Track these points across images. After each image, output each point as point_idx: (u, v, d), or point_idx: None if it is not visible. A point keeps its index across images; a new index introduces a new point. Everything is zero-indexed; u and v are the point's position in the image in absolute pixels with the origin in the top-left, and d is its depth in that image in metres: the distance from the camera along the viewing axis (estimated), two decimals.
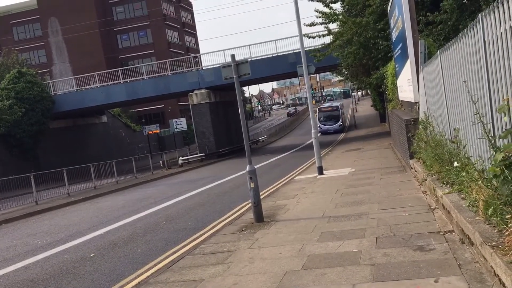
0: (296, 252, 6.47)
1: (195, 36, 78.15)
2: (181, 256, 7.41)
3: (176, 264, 6.94)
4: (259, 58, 35.03)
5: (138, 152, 45.22)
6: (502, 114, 4.69)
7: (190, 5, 78.15)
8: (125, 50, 65.06)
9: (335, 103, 55.97)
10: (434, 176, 8.05)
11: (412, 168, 11.60)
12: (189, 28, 74.85)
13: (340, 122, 46.70)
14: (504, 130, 4.72)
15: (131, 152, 43.60)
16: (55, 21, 62.74)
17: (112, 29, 64.63)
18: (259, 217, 9.00)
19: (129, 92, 37.65)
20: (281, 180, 16.03)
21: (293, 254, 6.40)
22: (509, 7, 4.27)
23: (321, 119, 46.64)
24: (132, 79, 38.65)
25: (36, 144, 36.98)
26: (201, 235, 9.14)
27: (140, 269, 7.40)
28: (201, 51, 74.36)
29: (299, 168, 19.16)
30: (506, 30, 4.41)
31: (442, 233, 6.16)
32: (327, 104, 56.13)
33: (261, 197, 10.03)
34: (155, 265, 7.41)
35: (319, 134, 40.32)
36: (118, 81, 38.12)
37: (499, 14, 4.53)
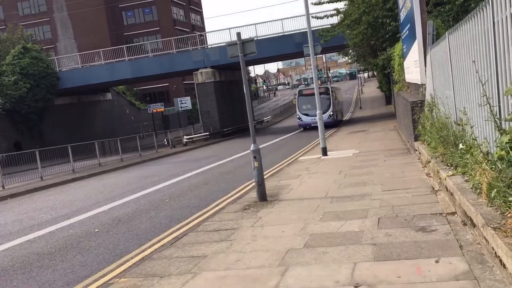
0: (299, 230, 6.52)
1: (200, 14, 77.45)
2: (185, 233, 7.49)
3: (180, 240, 7.02)
4: (265, 37, 34.74)
5: (142, 130, 45.33)
6: (509, 96, 4.66)
7: None
8: (130, 27, 64.62)
9: (325, 85, 41.44)
10: (438, 158, 8.05)
11: (416, 150, 11.59)
12: (194, 6, 74.16)
13: (330, 112, 32.38)
14: (510, 112, 4.69)
15: (136, 130, 43.72)
16: None
17: (117, 5, 64.10)
18: (263, 196, 9.05)
19: (134, 70, 37.52)
20: (285, 160, 16.07)
21: (295, 232, 6.45)
22: None
23: (302, 106, 33.49)
24: (137, 56, 38.49)
25: (41, 120, 37.11)
26: (204, 213, 9.21)
27: (144, 244, 7.50)
28: (207, 29, 73.79)
29: (303, 149, 19.18)
30: None
31: (444, 214, 6.18)
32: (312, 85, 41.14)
33: (265, 177, 10.06)
34: (158, 241, 7.50)
35: (301, 129, 32.77)
36: (123, 59, 37.97)
37: None
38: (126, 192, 13.99)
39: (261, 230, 6.87)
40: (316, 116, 29.45)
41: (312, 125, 30.75)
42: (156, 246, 7.12)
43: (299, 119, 33.48)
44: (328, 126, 28.79)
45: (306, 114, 32.61)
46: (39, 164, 20.47)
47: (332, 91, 33.62)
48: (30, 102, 35.25)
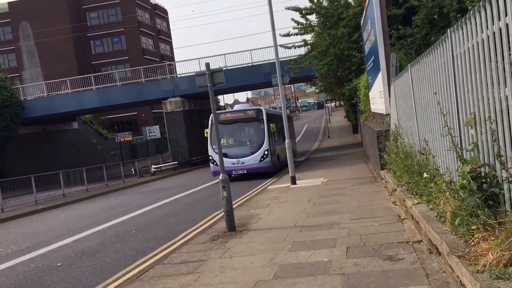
0: (268, 261, 6.45)
1: (170, 43, 77.85)
2: (151, 266, 7.29)
3: (146, 273, 6.83)
4: (234, 67, 35.09)
5: (109, 160, 44.50)
6: (469, 127, 4.82)
7: (166, 12, 77.90)
8: (99, 56, 64.19)
9: (254, 107, 26.48)
10: (403, 187, 8.18)
11: (382, 178, 11.76)
12: (164, 36, 74.51)
13: (263, 150, 20.40)
14: (471, 143, 4.84)
15: (103, 160, 42.83)
16: (27, 25, 61.43)
17: (85, 34, 63.72)
18: (231, 226, 8.96)
19: (101, 99, 37.12)
20: (254, 189, 16.01)
21: (264, 263, 6.38)
22: (476, 23, 4.40)
23: (221, 141, 19.36)
24: (105, 85, 38.12)
25: (4, 150, 35.99)
26: (172, 245, 9.01)
27: (108, 278, 7.24)
28: (176, 59, 73.98)
29: (273, 178, 19.19)
30: (473, 45, 4.54)
31: (411, 243, 6.25)
32: (237, 107, 25.63)
33: (234, 206, 9.99)
34: (124, 274, 7.26)
35: (219, 180, 21.78)
36: (90, 87, 37.55)
37: (467, 29, 4.66)
38: (91, 223, 13.59)
39: (230, 261, 6.77)
40: (243, 158, 20.13)
41: (234, 172, 19.91)
42: (121, 280, 6.89)
43: (213, 163, 20.71)
44: (262, 174, 19.95)
45: (225, 155, 17.86)
46: None
47: (265, 115, 20.82)
48: None
